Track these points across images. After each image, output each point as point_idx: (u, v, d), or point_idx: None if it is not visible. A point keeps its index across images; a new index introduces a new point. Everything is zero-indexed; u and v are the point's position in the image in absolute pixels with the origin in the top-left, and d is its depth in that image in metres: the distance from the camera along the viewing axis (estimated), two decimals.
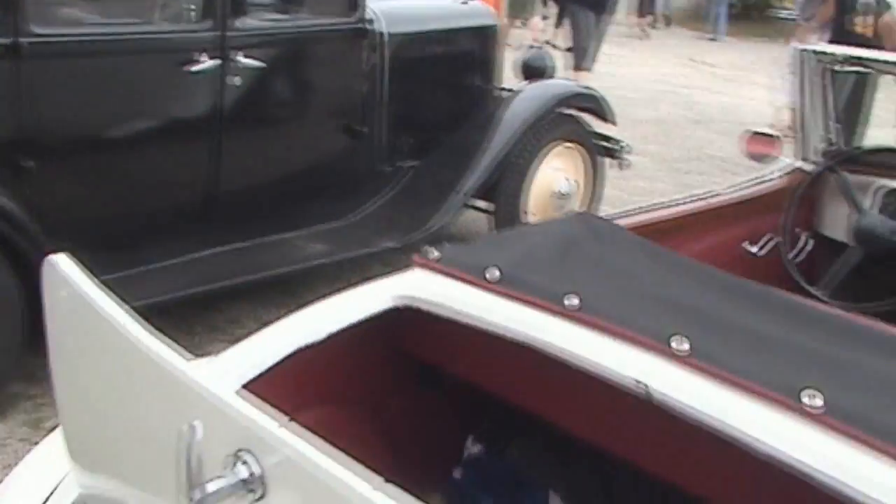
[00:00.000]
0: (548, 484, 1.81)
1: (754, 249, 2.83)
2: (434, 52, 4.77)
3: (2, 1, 2.98)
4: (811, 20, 8.15)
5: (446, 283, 1.67)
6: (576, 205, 5.17)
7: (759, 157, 3.00)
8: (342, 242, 4.17)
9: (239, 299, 4.04)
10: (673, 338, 1.39)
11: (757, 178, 2.92)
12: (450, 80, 4.90)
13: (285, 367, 1.47)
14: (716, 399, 1.30)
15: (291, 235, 4.06)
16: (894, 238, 2.70)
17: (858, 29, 6.54)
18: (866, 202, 2.80)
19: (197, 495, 0.85)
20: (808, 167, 2.95)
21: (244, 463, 0.87)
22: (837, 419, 1.21)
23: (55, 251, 1.17)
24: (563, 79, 6.08)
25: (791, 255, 2.83)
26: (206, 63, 3.51)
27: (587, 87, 5.20)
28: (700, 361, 1.35)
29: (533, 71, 5.20)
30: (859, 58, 2.87)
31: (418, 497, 0.85)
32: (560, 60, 7.15)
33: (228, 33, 3.58)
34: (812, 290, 2.68)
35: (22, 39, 3.00)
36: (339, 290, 1.73)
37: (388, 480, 0.80)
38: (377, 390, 1.74)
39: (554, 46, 7.96)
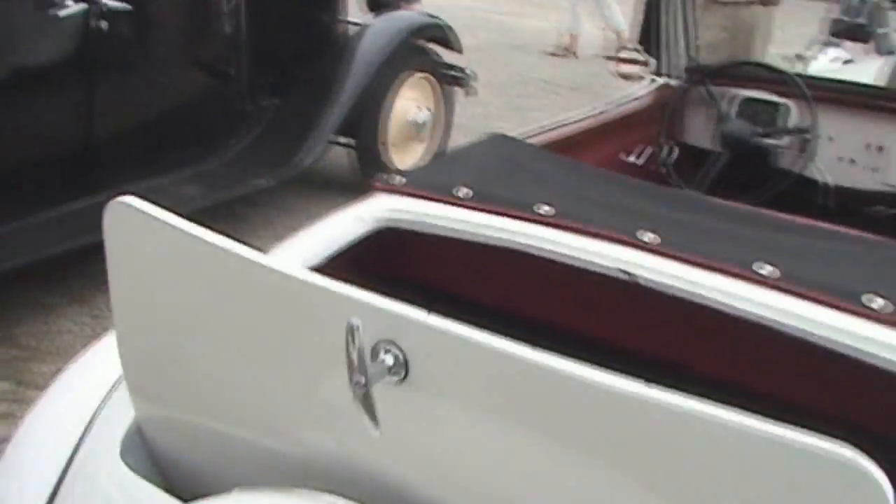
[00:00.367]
0: None
1: (633, 159, 3.10)
2: None
3: None
4: None
5: (419, 204, 1.79)
6: (431, 133, 5.34)
7: (628, 77, 3.26)
8: (215, 184, 4.16)
9: None
10: (640, 232, 1.59)
11: (632, 95, 3.17)
12: (300, 15, 4.91)
13: None
14: (689, 276, 1.51)
15: (165, 180, 4.02)
16: (753, 140, 3.04)
17: None
18: (728, 110, 3.11)
19: (361, 380, 0.95)
20: (675, 83, 3.23)
21: (387, 351, 0.97)
22: (790, 283, 1.45)
23: None
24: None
25: (666, 162, 3.12)
26: (73, 7, 3.40)
27: (435, 17, 5.32)
28: (668, 249, 1.56)
29: (378, 3, 5.27)
30: None
31: None
32: None
33: None
34: (688, 190, 2.98)
35: None
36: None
37: None
38: None
39: None
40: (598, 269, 1.58)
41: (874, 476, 0.78)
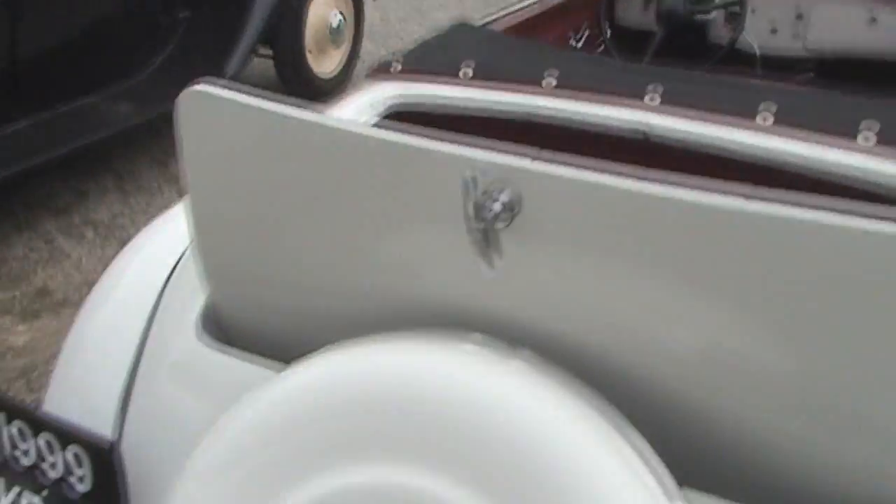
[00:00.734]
0: None
1: (574, 42, 3.20)
2: None
3: None
4: None
5: (426, 87, 1.83)
6: (347, 37, 5.33)
7: None
8: (143, 100, 4.09)
9: (51, 173, 3.90)
10: (646, 93, 1.68)
11: None
12: None
13: None
14: (695, 127, 1.62)
15: (93, 99, 3.94)
16: (687, 15, 3.19)
17: None
18: None
19: (478, 225, 1.02)
20: None
21: (496, 198, 1.05)
22: (787, 126, 1.58)
23: None
24: None
25: (607, 42, 3.23)
26: None
27: None
28: (672, 106, 1.66)
29: None
30: None
31: None
32: None
33: None
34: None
35: None
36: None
37: None
38: None
39: None
40: (610, 132, 1.67)
41: None
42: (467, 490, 0.94)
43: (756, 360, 0.99)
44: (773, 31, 3.23)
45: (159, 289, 1.42)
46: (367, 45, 5.78)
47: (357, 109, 1.84)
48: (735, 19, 3.19)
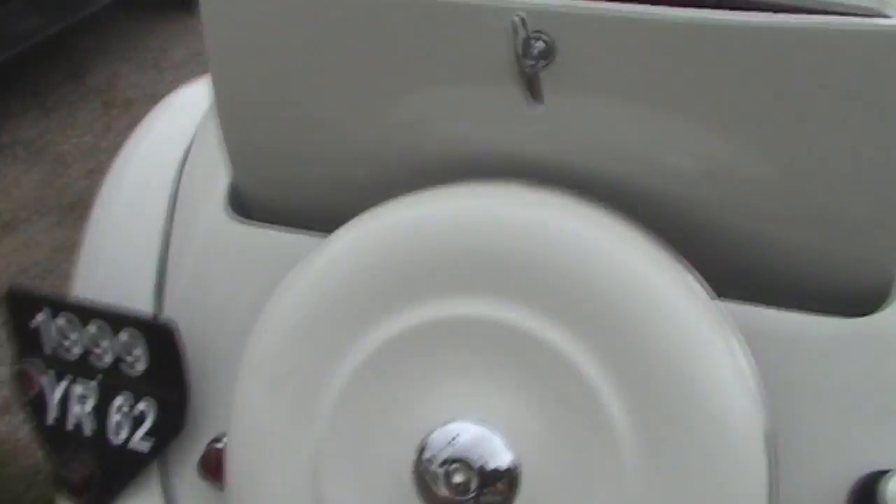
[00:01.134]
0: None
1: None
2: None
3: None
4: None
5: None
6: None
7: None
8: (52, 12, 3.96)
9: None
10: None
11: None
12: None
13: None
14: None
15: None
16: None
17: None
18: None
19: (532, 61, 1.08)
20: None
21: (536, 40, 1.06)
22: None
23: None
24: None
25: None
26: None
27: None
28: None
29: None
30: None
31: None
32: None
33: None
34: None
35: None
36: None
37: None
38: None
39: None
40: None
41: None
42: (542, 316, 1.02)
43: (753, 170, 1.09)
44: None
45: (176, 171, 1.44)
46: None
47: None
48: None
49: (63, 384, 1.32)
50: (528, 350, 1.02)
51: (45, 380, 1.33)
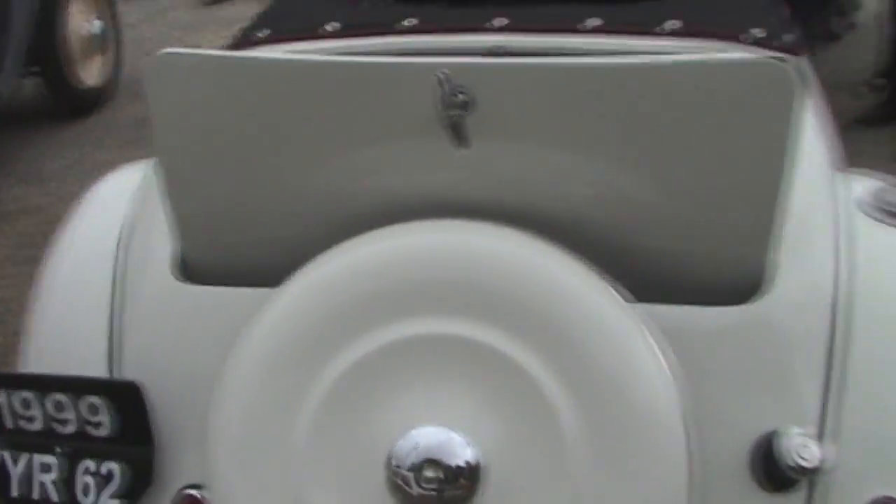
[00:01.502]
0: None
1: None
2: None
3: None
4: None
5: (293, 46, 1.93)
6: (109, 43, 5.28)
7: None
8: None
9: None
10: (492, 21, 1.91)
11: None
12: None
13: None
14: (541, 38, 1.85)
15: None
16: None
17: None
18: None
19: (454, 111, 1.22)
20: None
21: (461, 86, 1.22)
22: (614, 27, 1.86)
23: None
24: None
25: None
26: None
27: None
28: (520, 25, 1.89)
29: None
30: None
31: None
32: None
33: None
34: None
35: None
36: None
37: None
38: None
39: None
40: (475, 52, 1.85)
41: (789, 72, 1.22)
42: (490, 329, 1.17)
43: (645, 193, 1.29)
44: None
45: (114, 247, 1.54)
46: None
47: None
48: None
49: (25, 456, 1.38)
50: (479, 359, 1.17)
51: (5, 454, 1.38)
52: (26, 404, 1.37)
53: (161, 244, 1.47)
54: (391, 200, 1.32)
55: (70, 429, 1.37)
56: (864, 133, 4.01)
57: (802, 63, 1.93)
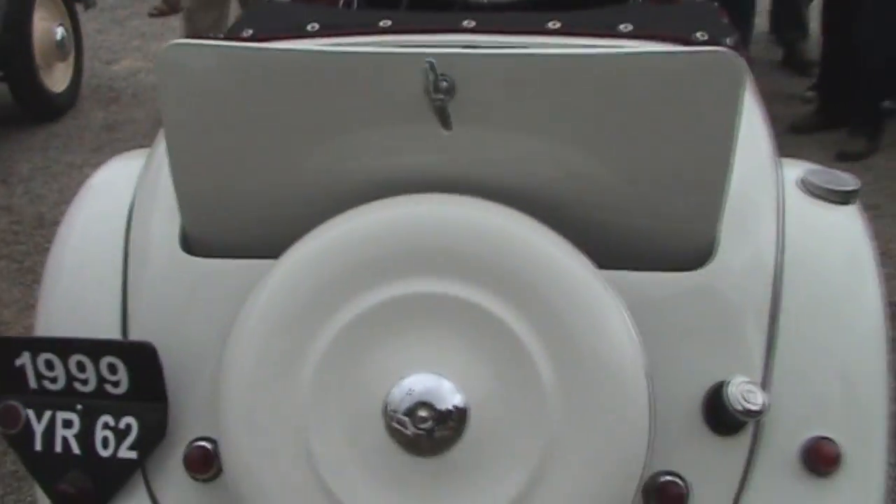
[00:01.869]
0: None
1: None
2: None
3: None
4: None
5: (279, 45, 2.06)
6: (71, 50, 5.36)
7: None
8: None
9: None
10: (463, 22, 2.06)
11: None
12: None
13: None
14: (507, 38, 1.98)
15: None
16: None
17: None
18: None
19: (440, 95, 1.35)
20: None
21: (444, 73, 1.36)
22: (571, 29, 2.03)
23: None
24: None
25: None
26: None
27: None
28: (487, 27, 2.03)
29: None
30: None
31: None
32: None
33: None
34: None
35: None
36: None
37: None
38: None
39: None
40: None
41: (737, 60, 1.39)
42: (477, 289, 1.31)
43: (607, 172, 1.45)
44: None
45: (124, 225, 1.67)
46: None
47: None
48: None
49: (48, 413, 1.51)
50: (466, 316, 1.32)
51: (30, 412, 1.51)
52: (49, 365, 1.50)
53: (168, 222, 1.60)
54: (382, 178, 1.45)
55: (89, 387, 1.50)
56: (798, 138, 4.28)
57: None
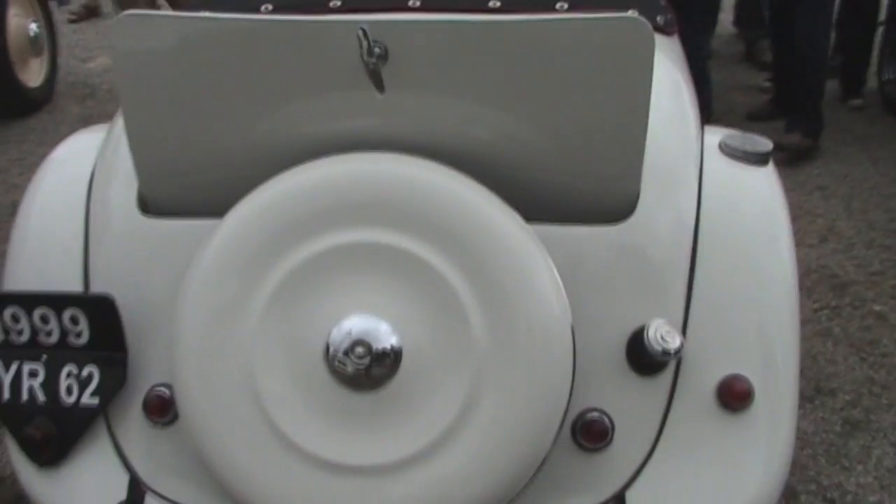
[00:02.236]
0: None
1: None
2: None
3: None
4: None
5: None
6: (45, 46, 5.43)
7: None
8: None
9: None
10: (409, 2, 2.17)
11: None
12: None
13: None
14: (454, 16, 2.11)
15: None
16: None
17: None
18: None
19: (373, 59, 1.43)
20: None
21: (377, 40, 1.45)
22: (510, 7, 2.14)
23: None
24: None
25: None
26: None
27: None
28: (433, 5, 2.14)
29: None
30: None
31: None
32: None
33: None
34: None
35: None
36: None
37: None
38: None
39: None
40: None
41: (648, 27, 1.49)
42: (413, 239, 1.41)
43: (531, 132, 1.54)
44: None
45: (86, 185, 1.77)
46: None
47: None
48: None
49: (14, 364, 1.60)
50: (402, 264, 1.42)
51: None
52: (15, 319, 1.59)
53: (126, 185, 1.70)
54: (323, 140, 1.55)
55: (53, 339, 1.59)
56: (752, 125, 4.40)
57: (675, 42, 2.24)
